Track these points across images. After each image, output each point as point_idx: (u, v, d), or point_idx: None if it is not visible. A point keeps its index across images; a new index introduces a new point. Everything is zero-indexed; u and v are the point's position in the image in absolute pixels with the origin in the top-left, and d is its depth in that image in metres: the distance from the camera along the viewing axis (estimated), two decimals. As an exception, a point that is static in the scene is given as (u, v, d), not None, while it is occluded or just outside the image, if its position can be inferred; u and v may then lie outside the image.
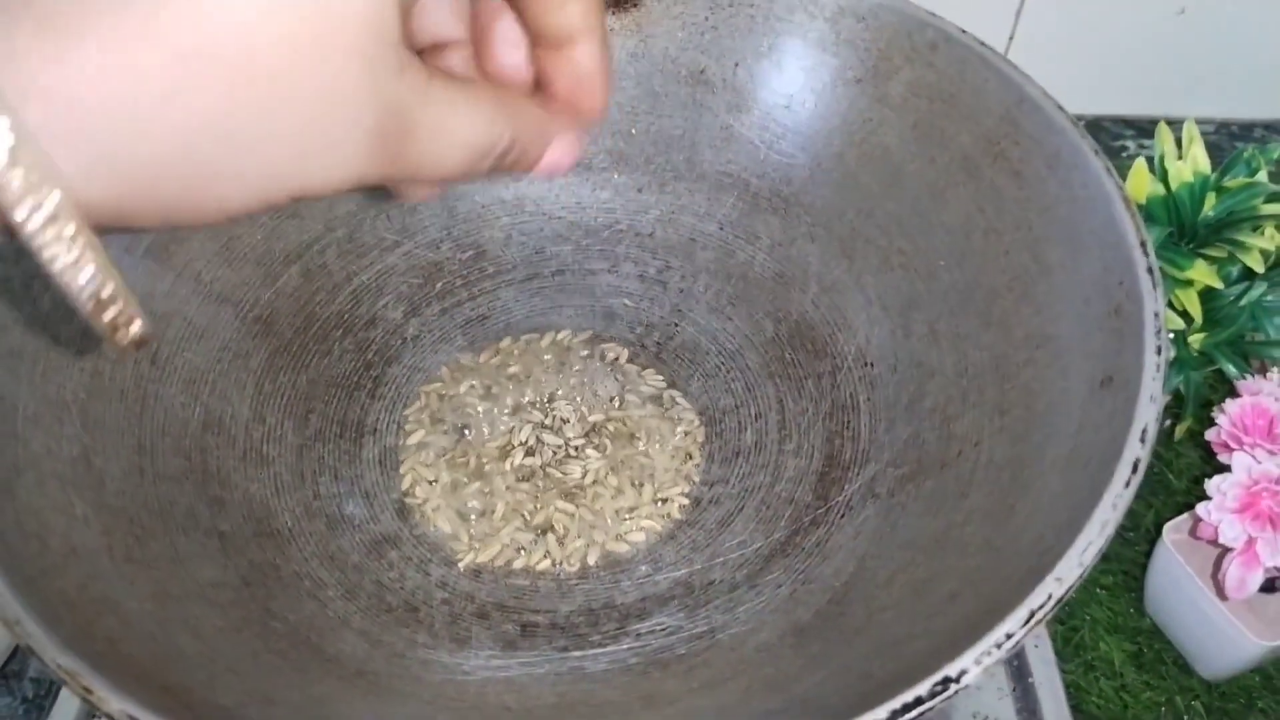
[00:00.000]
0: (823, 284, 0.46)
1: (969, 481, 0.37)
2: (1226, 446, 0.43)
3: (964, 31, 0.42)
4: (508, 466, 0.43)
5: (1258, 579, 0.39)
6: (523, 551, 0.41)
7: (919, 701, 0.26)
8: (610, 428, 0.45)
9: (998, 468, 0.36)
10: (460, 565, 0.41)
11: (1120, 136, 0.69)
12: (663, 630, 0.38)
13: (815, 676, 0.33)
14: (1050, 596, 0.28)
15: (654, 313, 0.48)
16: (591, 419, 0.45)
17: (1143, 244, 0.34)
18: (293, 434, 0.43)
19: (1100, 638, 0.47)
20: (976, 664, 0.27)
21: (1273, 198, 0.44)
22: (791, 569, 0.39)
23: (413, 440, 0.44)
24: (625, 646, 0.38)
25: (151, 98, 0.16)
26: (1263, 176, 0.45)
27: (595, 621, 0.39)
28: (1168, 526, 0.44)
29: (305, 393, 0.44)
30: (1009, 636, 0.27)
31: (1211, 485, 0.41)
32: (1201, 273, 0.43)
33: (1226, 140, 0.68)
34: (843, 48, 0.45)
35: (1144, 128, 0.69)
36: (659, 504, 0.42)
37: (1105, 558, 0.37)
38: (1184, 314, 0.45)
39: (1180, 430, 0.49)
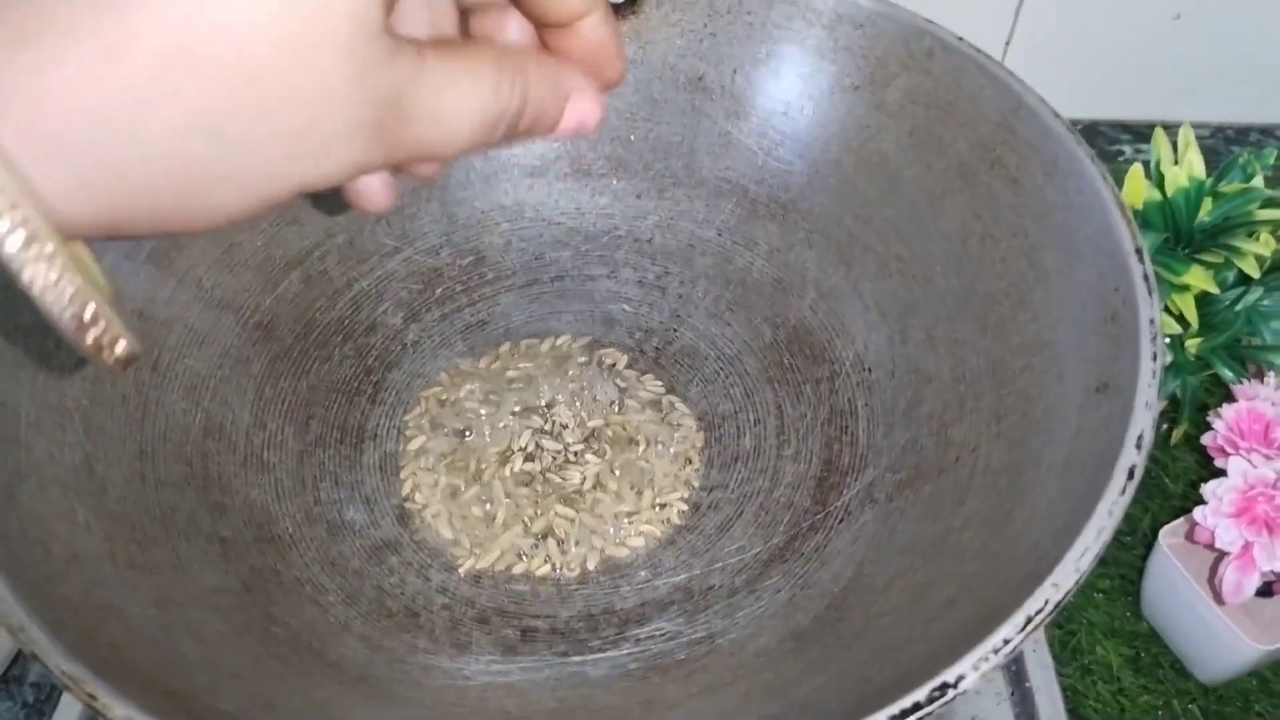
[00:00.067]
0: (821, 290, 0.46)
1: (966, 487, 0.37)
2: (1223, 451, 0.43)
3: (960, 39, 0.43)
4: (507, 472, 0.43)
5: (1254, 583, 0.39)
6: (523, 557, 0.41)
7: (917, 707, 0.26)
8: (609, 433, 0.45)
9: (995, 473, 0.36)
10: (460, 570, 0.41)
11: (1117, 141, 0.69)
12: (662, 635, 0.38)
13: (814, 682, 0.33)
14: (1047, 602, 0.28)
15: (653, 318, 0.49)
16: (591, 424, 0.45)
17: (1138, 251, 0.35)
18: (293, 440, 0.43)
19: (1097, 642, 0.47)
20: (974, 669, 0.27)
21: (1268, 203, 0.44)
22: (790, 574, 0.39)
23: (413, 445, 0.44)
24: (625, 652, 0.38)
25: (137, 103, 0.16)
26: (1258, 182, 0.45)
27: (595, 627, 0.39)
28: (1164, 531, 0.44)
29: (306, 398, 0.45)
30: (1006, 642, 0.27)
31: (1208, 490, 0.41)
32: (1197, 278, 0.44)
33: (1222, 145, 0.69)
34: (840, 55, 0.45)
35: (1141, 132, 0.69)
36: (658, 509, 0.43)
37: (1102, 562, 0.37)
38: (1180, 319, 0.45)
39: (1177, 435, 0.50)
